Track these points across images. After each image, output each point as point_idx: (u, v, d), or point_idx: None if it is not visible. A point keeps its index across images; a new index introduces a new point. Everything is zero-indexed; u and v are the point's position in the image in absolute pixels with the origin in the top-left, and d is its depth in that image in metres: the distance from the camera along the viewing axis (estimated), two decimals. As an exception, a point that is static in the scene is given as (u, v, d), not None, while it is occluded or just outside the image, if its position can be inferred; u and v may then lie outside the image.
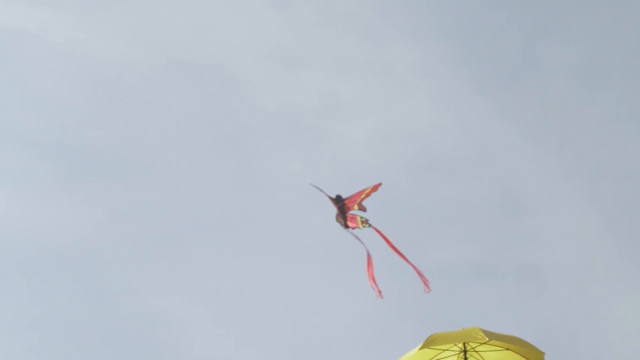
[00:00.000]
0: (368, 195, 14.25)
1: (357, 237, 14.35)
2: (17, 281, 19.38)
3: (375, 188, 14.29)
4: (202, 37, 21.92)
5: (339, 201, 14.33)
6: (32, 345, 18.12)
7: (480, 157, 21.57)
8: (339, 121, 21.68)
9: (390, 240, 14.33)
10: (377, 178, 21.11)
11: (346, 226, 14.39)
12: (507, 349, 11.88)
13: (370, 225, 14.31)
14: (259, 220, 20.43)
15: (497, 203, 20.95)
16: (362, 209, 14.29)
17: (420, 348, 11.47)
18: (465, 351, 12.07)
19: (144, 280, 19.15)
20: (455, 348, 12.11)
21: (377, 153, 21.43)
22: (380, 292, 14.16)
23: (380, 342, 19.20)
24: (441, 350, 12.09)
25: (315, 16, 21.77)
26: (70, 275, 19.55)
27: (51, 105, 21.25)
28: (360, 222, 14.32)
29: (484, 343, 11.68)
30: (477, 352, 12.11)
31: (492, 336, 11.33)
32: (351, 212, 14.35)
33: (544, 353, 11.69)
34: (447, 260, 20.28)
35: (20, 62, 21.55)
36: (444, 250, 20.50)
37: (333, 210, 14.42)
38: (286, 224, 20.57)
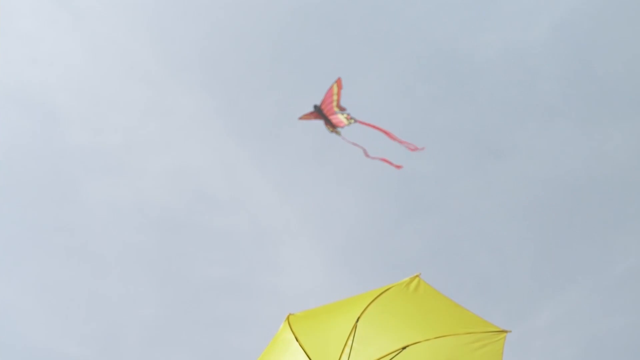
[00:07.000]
0: (339, 94, 14.26)
1: (350, 141, 14.49)
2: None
3: (339, 83, 14.28)
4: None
5: (317, 110, 14.34)
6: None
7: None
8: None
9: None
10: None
11: (334, 127, 14.40)
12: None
13: (355, 120, 14.43)
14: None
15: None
16: (342, 109, 14.30)
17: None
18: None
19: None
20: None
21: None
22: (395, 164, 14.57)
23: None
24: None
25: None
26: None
27: None
28: (345, 120, 14.38)
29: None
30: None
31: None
32: (333, 115, 14.37)
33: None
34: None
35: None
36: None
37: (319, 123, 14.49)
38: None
